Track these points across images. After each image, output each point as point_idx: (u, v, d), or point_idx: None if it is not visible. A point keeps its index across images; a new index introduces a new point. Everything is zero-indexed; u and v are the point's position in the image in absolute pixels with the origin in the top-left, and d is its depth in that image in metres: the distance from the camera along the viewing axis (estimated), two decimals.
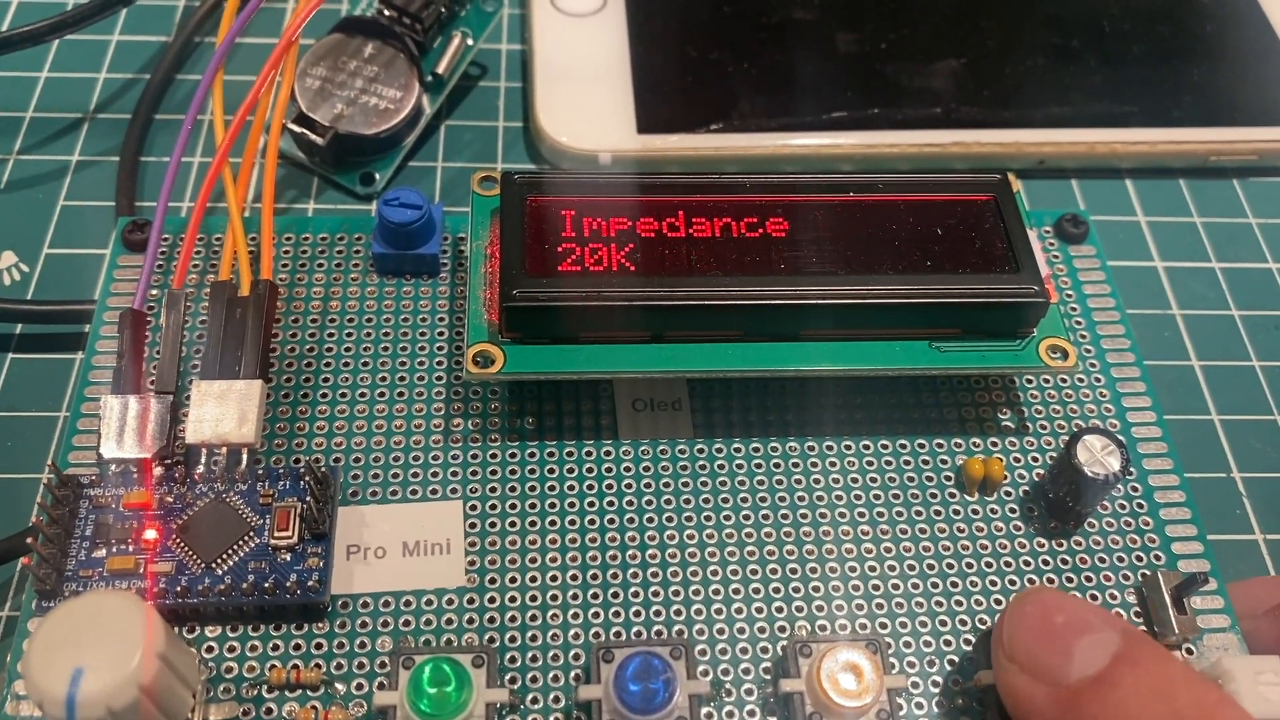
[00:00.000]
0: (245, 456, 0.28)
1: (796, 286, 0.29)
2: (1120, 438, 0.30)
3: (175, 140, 0.39)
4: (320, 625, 0.27)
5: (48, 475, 0.27)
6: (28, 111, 0.40)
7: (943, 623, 0.28)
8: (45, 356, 0.34)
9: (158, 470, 0.28)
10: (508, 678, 0.27)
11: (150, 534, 0.27)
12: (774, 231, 0.30)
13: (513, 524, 0.29)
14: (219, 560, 0.27)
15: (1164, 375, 0.36)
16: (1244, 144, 0.40)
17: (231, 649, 0.27)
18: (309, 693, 0.26)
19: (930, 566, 0.29)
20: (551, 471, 0.30)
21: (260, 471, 0.28)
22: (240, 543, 0.27)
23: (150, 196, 0.38)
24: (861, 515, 0.30)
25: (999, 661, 0.26)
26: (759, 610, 0.28)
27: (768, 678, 0.27)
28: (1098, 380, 0.33)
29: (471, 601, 0.28)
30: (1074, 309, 0.34)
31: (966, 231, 0.31)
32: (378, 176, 0.38)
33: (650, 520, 0.29)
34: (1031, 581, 0.29)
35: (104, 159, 0.39)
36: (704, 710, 0.26)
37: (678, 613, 0.28)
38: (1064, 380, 0.32)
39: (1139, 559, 0.30)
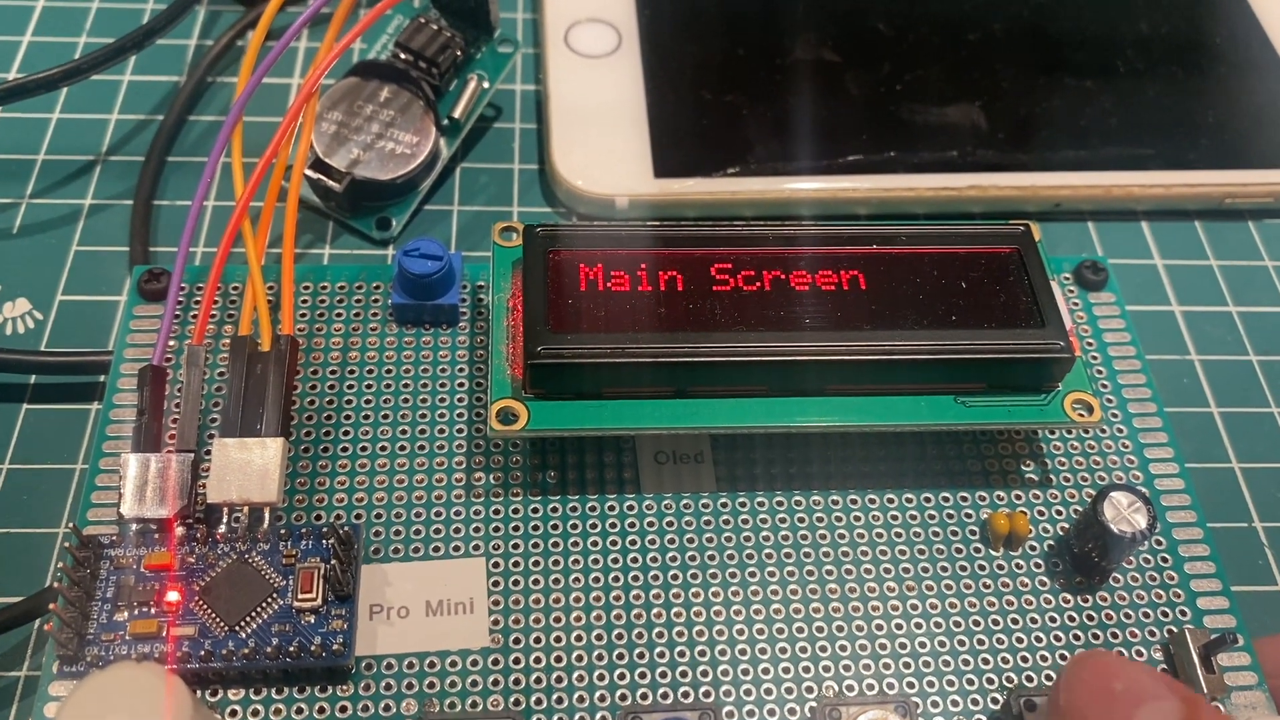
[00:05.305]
0: (267, 516, 0.28)
1: (821, 342, 0.29)
2: (1144, 490, 0.30)
3: (188, 183, 0.39)
4: (344, 688, 0.27)
5: (64, 536, 0.27)
6: (39, 154, 0.40)
7: (970, 681, 0.28)
8: (60, 407, 0.34)
9: (179, 530, 0.28)
10: None
11: (172, 596, 0.27)
12: (798, 286, 0.30)
13: (535, 581, 0.29)
14: (242, 623, 0.27)
15: (1183, 423, 0.36)
16: (1260, 186, 0.40)
17: (255, 712, 0.27)
18: None
19: (956, 624, 0.29)
20: (574, 527, 0.30)
21: (282, 530, 0.28)
22: (263, 605, 0.27)
23: (164, 241, 0.38)
24: (887, 571, 0.30)
25: None
26: (785, 670, 0.28)
27: None
28: (1120, 431, 0.33)
29: (496, 663, 0.28)
30: (1094, 358, 0.34)
31: (991, 285, 0.30)
32: (394, 222, 0.38)
33: (675, 577, 0.29)
34: (1058, 639, 0.29)
35: (117, 203, 0.39)
36: None
37: (704, 673, 0.28)
38: (1087, 432, 0.32)
39: (1164, 614, 0.30)
